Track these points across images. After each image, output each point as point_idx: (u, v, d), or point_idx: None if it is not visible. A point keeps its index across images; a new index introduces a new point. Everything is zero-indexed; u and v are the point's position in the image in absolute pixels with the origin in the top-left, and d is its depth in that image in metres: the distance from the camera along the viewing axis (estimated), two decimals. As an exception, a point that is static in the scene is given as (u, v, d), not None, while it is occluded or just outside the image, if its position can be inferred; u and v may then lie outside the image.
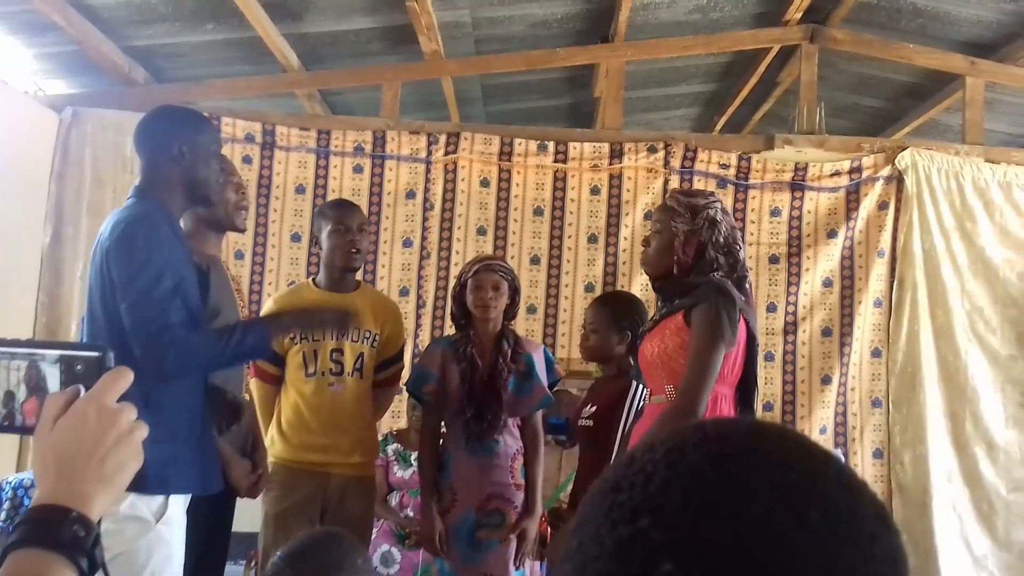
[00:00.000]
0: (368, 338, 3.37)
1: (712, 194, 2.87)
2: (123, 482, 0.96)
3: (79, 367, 1.02)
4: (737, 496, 0.52)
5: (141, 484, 2.32)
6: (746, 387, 2.68)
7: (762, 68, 6.37)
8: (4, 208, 4.87)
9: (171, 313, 2.37)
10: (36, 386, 1.04)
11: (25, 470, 4.78)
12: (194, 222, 2.99)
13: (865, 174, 5.48)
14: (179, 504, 2.46)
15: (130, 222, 2.43)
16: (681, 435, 0.57)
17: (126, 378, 1.00)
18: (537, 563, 3.91)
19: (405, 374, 3.67)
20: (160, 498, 2.39)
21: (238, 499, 3.17)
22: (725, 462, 0.54)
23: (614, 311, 3.35)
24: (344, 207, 3.54)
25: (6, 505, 3.95)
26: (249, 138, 5.40)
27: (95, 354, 1.03)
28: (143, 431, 0.98)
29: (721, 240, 2.68)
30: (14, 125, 4.99)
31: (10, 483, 4.00)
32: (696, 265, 2.68)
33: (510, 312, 3.39)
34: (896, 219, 5.46)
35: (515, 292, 3.39)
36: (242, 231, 3.46)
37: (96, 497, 0.93)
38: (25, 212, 5.18)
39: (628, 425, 3.04)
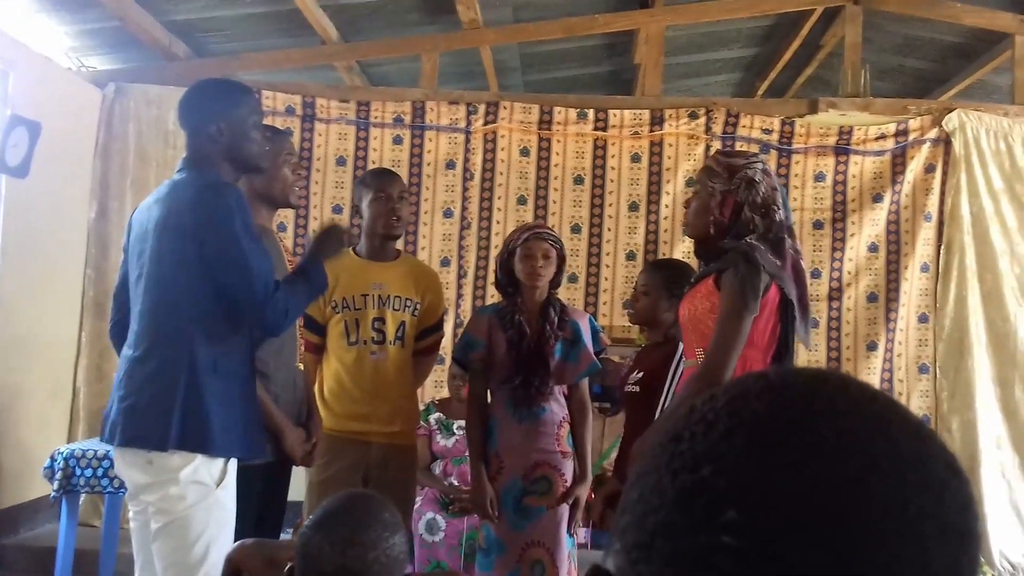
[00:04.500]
0: (409, 307, 3.38)
1: (755, 155, 2.82)
2: None
3: None
4: (802, 442, 0.51)
5: (212, 447, 2.38)
6: (781, 353, 2.64)
7: (805, 31, 6.27)
8: (50, 184, 4.93)
9: (272, 272, 2.51)
10: None
11: (76, 440, 4.87)
12: (248, 194, 2.99)
13: (911, 137, 5.39)
14: (234, 469, 2.50)
15: (216, 191, 2.48)
16: (743, 384, 0.56)
17: None
18: (583, 529, 3.92)
19: (445, 343, 3.68)
20: (220, 462, 2.44)
21: (297, 468, 3.19)
22: (789, 408, 0.53)
23: (667, 276, 3.32)
24: (385, 175, 3.55)
25: (59, 475, 4.03)
26: (289, 111, 5.42)
27: None
28: None
29: (759, 200, 2.64)
30: (59, 101, 5.04)
31: (61, 453, 4.07)
32: (732, 226, 2.64)
33: (555, 280, 3.38)
34: (943, 182, 5.37)
35: (562, 261, 3.38)
36: (296, 208, 3.50)
37: None
38: (71, 187, 5.25)
39: (674, 390, 3.02)
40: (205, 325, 2.45)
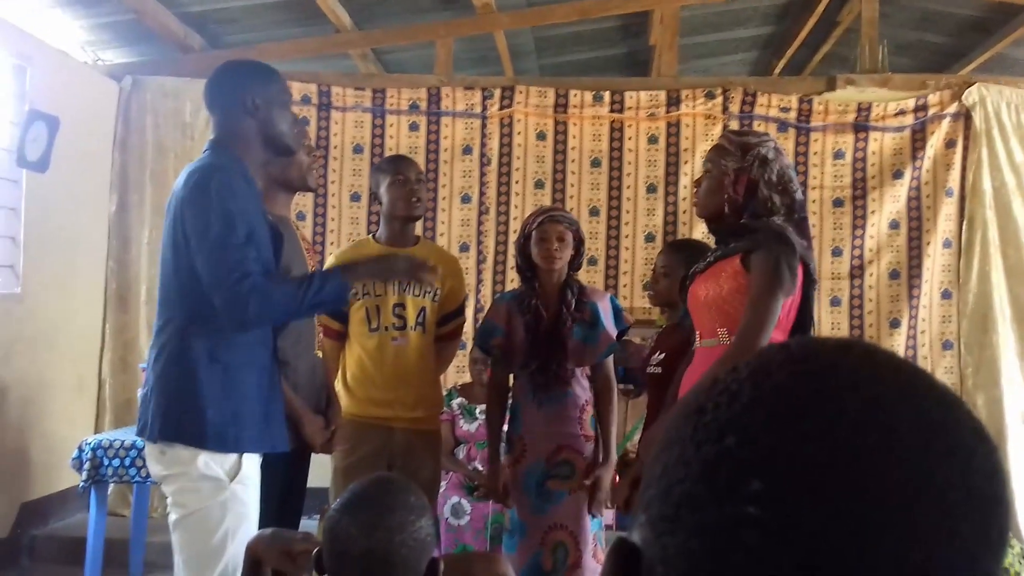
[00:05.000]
0: (430, 292, 3.39)
1: (766, 134, 2.80)
2: None
3: None
4: (825, 412, 0.51)
5: (207, 441, 2.35)
6: (799, 331, 2.63)
7: (821, 7, 6.21)
8: (70, 178, 4.96)
9: (249, 262, 2.35)
10: None
11: (102, 431, 4.92)
12: (265, 181, 2.94)
13: (931, 112, 5.35)
14: (253, 462, 2.46)
15: (204, 172, 2.41)
16: (765, 355, 0.56)
17: None
18: (609, 511, 3.92)
19: (467, 328, 3.68)
20: (233, 456, 2.38)
21: (316, 455, 3.21)
22: (812, 378, 0.53)
23: (687, 257, 3.31)
24: (400, 159, 3.57)
25: (87, 465, 4.07)
26: (305, 100, 5.43)
27: None
28: None
29: (774, 179, 2.62)
30: (76, 95, 5.07)
31: (89, 444, 4.11)
32: (748, 204, 2.63)
33: (575, 263, 3.38)
34: (964, 157, 5.33)
35: (580, 243, 3.37)
36: (314, 190, 3.48)
37: None
38: (91, 181, 5.28)
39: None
40: (200, 313, 2.36)
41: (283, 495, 2.94)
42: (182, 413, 2.33)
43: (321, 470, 3.45)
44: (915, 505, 0.48)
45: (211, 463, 2.35)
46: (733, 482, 0.50)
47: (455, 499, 4.25)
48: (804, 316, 2.63)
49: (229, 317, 2.34)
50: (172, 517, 2.39)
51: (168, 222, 2.44)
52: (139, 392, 2.46)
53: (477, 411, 4.38)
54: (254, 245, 2.39)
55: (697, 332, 2.74)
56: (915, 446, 0.50)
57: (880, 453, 0.49)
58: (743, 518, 0.49)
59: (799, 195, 2.66)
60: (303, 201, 5.35)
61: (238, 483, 2.39)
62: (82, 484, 4.10)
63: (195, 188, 2.38)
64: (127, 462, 4.08)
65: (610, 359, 3.39)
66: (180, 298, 2.39)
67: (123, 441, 4.10)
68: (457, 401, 4.50)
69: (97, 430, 5.18)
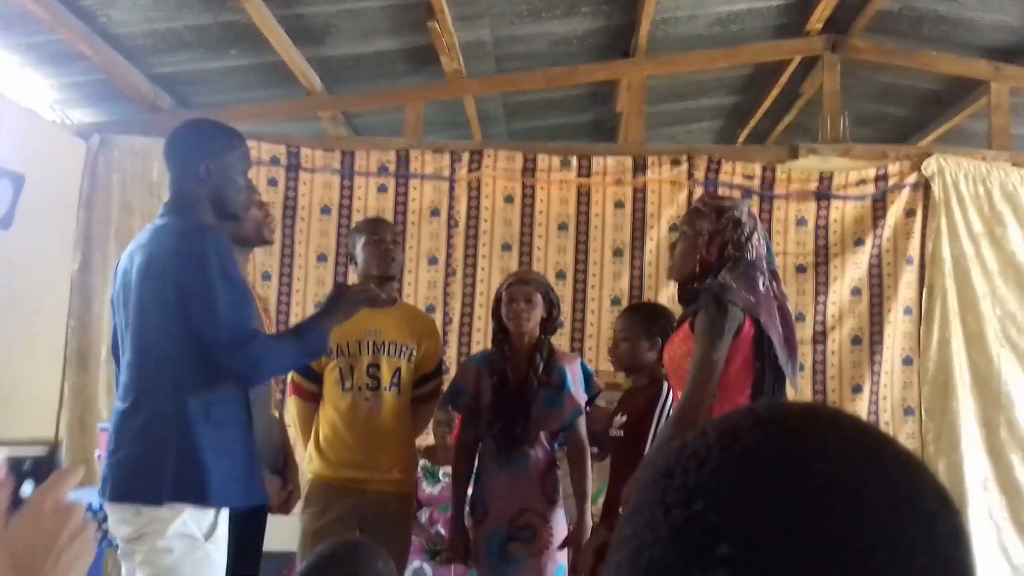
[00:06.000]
0: (405, 352, 3.38)
1: (741, 201, 2.87)
2: None
3: (26, 465, 1.02)
4: (793, 476, 0.51)
5: (205, 497, 2.33)
6: (757, 391, 2.63)
7: (784, 79, 6.36)
8: (34, 235, 4.92)
9: (254, 321, 2.47)
10: None
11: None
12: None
13: (891, 181, 5.45)
14: (225, 521, 2.45)
15: (195, 236, 2.44)
16: (733, 418, 0.56)
17: (78, 475, 1.01)
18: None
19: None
20: (211, 515, 2.39)
21: (275, 518, 3.17)
22: (779, 442, 0.53)
23: (643, 318, 3.34)
24: (376, 220, 3.64)
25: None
26: (274, 161, 5.44)
27: (43, 451, 1.04)
28: (93, 529, 0.99)
29: (743, 240, 2.67)
30: (43, 153, 5.05)
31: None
32: (717, 266, 2.67)
33: (549, 326, 3.39)
34: (924, 226, 5.42)
35: (551, 305, 3.39)
36: (270, 243, 3.49)
37: None
38: (54, 239, 5.24)
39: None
40: (194, 372, 2.40)
41: (239, 556, 2.89)
42: (182, 471, 2.33)
43: (285, 532, 3.40)
44: (881, 570, 0.49)
45: (189, 522, 2.35)
46: (702, 547, 0.50)
47: (416, 563, 4.20)
48: (773, 371, 2.62)
49: (241, 375, 2.44)
50: None
51: (150, 285, 2.43)
52: (100, 453, 2.42)
53: (440, 473, 4.35)
54: (252, 305, 2.45)
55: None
56: (881, 511, 0.50)
57: (847, 518, 0.50)
58: (712, 582, 0.49)
59: (752, 254, 2.68)
60: (269, 261, 5.34)
61: (211, 543, 2.39)
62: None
63: (191, 252, 2.40)
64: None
65: (582, 423, 3.38)
66: (170, 359, 2.40)
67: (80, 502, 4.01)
68: (420, 463, 4.46)
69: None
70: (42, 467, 0.97)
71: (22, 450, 0.99)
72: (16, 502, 0.97)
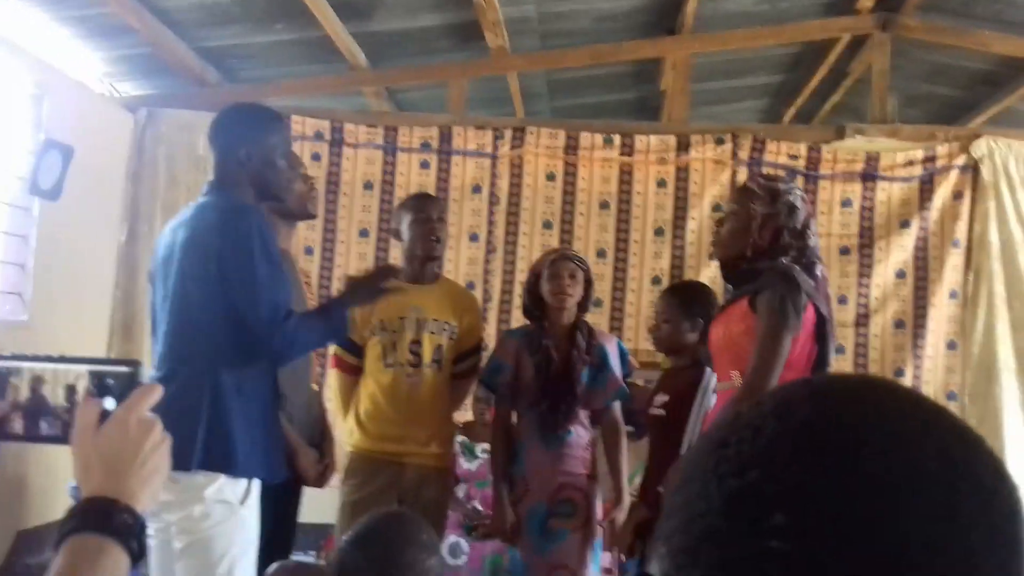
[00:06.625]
0: (447, 329, 3.40)
1: (793, 180, 2.84)
2: (157, 485, 1.07)
3: (110, 381, 1.09)
4: (849, 447, 0.51)
5: (232, 466, 2.39)
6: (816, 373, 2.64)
7: (832, 58, 6.26)
8: (82, 207, 4.98)
9: (287, 301, 2.52)
10: (70, 399, 1.14)
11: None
12: (266, 215, 3.01)
13: (939, 163, 5.37)
14: (257, 488, 2.51)
15: (238, 215, 2.51)
16: (788, 390, 0.56)
17: (158, 392, 1.10)
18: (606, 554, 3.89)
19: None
20: (244, 482, 2.46)
21: (312, 491, 3.20)
22: (835, 413, 0.53)
23: (684, 300, 3.33)
24: (425, 197, 3.64)
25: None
26: (318, 136, 5.47)
27: (126, 369, 1.10)
28: (168, 443, 1.09)
29: (798, 227, 2.65)
30: (92, 126, 5.11)
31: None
32: (770, 249, 2.65)
33: (583, 304, 3.39)
34: (972, 209, 5.33)
35: (588, 284, 3.39)
36: (314, 217, 3.53)
37: (138, 494, 1.04)
38: (102, 211, 5.31)
39: (702, 414, 3.01)
40: (229, 346, 2.47)
41: (274, 527, 2.94)
42: (212, 440, 2.39)
43: (321, 505, 3.43)
44: (939, 542, 0.48)
45: (225, 488, 2.42)
46: (756, 516, 0.50)
47: (453, 539, 4.23)
48: (821, 359, 2.63)
49: (275, 352, 2.51)
50: (177, 545, 2.40)
51: (192, 260, 2.49)
52: None
53: (478, 450, 4.37)
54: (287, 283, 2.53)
55: (716, 376, 2.75)
56: (939, 484, 0.50)
57: (904, 488, 0.49)
58: (766, 552, 0.49)
59: (812, 241, 2.68)
60: (311, 236, 5.37)
61: (246, 508, 2.46)
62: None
63: (234, 230, 2.47)
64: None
65: (617, 402, 3.39)
66: (208, 333, 2.46)
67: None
68: (458, 439, 4.48)
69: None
70: (123, 384, 1.02)
71: (104, 367, 1.04)
72: (103, 416, 1.07)
